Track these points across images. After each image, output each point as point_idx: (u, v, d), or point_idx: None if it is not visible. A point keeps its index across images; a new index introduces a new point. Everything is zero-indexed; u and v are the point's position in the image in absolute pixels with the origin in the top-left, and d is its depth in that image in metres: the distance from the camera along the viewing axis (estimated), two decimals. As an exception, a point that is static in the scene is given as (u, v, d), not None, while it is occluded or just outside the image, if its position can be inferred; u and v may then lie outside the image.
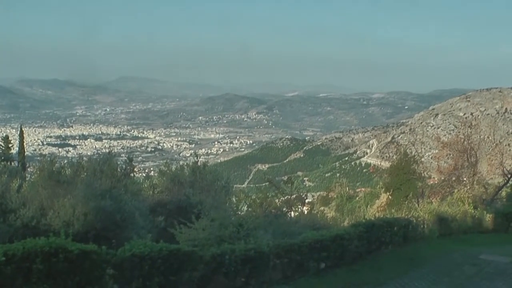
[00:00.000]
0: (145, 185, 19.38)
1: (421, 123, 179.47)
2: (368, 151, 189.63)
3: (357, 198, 38.79)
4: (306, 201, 26.20)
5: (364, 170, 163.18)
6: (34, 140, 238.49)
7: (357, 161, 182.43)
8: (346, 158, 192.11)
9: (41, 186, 14.14)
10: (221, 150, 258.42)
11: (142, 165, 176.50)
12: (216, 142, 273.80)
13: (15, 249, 7.98)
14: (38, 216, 13.10)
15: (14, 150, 31.47)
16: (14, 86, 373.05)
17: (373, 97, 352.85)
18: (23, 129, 36.92)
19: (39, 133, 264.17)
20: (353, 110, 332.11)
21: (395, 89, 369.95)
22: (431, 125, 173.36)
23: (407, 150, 36.17)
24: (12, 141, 31.01)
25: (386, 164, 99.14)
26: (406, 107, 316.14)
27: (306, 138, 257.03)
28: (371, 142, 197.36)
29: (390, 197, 28.58)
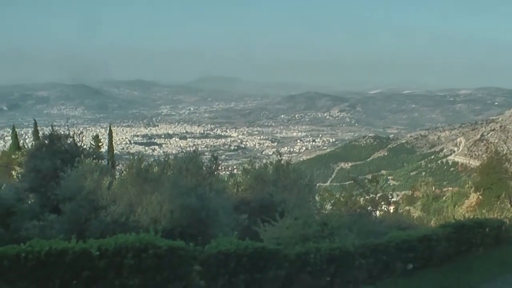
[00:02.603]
0: (229, 183, 19.59)
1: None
2: (456, 149, 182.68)
3: (443, 198, 37.64)
4: (391, 200, 25.53)
5: (452, 169, 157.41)
6: (122, 139, 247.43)
7: (444, 160, 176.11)
8: (432, 157, 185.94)
9: (130, 184, 14.59)
10: (304, 148, 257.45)
11: (225, 163, 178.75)
12: (298, 140, 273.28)
13: (107, 244, 8.30)
14: (127, 212, 13.53)
15: (104, 149, 33.01)
16: (102, 88, 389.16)
17: (460, 93, 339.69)
18: (111, 128, 38.55)
19: (126, 132, 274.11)
20: (439, 107, 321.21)
21: (483, 85, 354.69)
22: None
23: (498, 148, 34.60)
24: (101, 140, 32.53)
25: (475, 163, 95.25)
26: (496, 103, 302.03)
27: (390, 136, 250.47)
28: (458, 140, 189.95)
29: (480, 197, 27.47)
